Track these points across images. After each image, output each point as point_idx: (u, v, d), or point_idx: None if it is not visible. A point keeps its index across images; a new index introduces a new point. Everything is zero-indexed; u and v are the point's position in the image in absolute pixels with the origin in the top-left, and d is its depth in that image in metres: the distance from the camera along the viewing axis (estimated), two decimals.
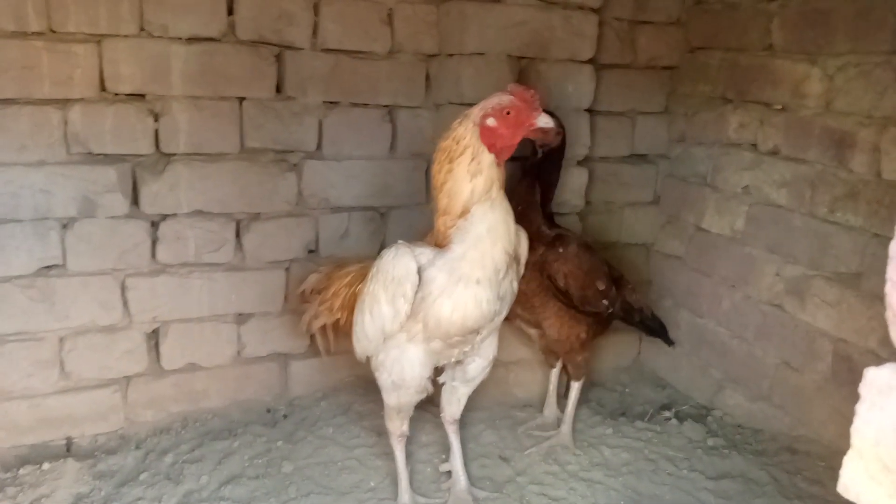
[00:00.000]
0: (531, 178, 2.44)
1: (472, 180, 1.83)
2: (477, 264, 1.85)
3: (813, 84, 2.41)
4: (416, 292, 1.88)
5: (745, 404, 2.79)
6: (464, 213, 1.85)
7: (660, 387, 3.15)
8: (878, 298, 2.22)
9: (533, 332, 2.64)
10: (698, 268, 3.00)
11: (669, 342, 2.86)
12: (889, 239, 2.32)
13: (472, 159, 1.83)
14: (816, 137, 2.40)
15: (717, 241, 2.88)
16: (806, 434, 2.52)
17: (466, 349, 2.06)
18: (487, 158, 1.84)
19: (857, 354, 2.30)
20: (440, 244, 1.91)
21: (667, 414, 2.85)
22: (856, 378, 2.50)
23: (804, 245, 2.49)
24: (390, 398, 2.11)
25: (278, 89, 2.49)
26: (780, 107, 2.56)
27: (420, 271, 1.88)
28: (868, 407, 0.84)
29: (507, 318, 2.34)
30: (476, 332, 1.99)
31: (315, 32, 2.48)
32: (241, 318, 2.65)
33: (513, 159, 1.93)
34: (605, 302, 2.53)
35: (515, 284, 2.04)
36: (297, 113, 2.53)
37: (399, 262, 1.90)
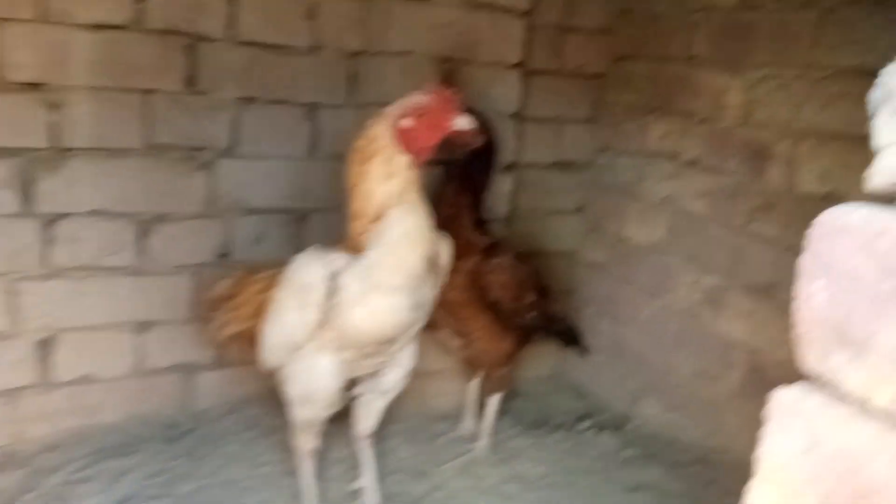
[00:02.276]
0: (459, 182, 2.37)
1: (386, 182, 1.75)
2: (393, 271, 1.77)
3: (733, 96, 2.45)
4: (329, 300, 1.79)
5: (662, 414, 2.81)
6: (378, 217, 1.77)
7: (579, 396, 3.15)
8: (791, 310, 2.27)
9: (456, 342, 2.58)
10: (620, 276, 3.01)
11: (585, 352, 2.85)
12: (802, 250, 2.35)
13: (387, 161, 1.75)
14: (735, 149, 2.44)
15: (638, 250, 2.90)
16: (720, 444, 2.54)
17: (382, 360, 1.97)
18: (402, 160, 1.76)
19: (771, 365, 2.33)
20: (355, 250, 1.82)
21: (585, 425, 2.85)
22: (769, 389, 2.52)
23: (721, 255, 2.52)
24: (298, 413, 2.00)
25: (190, 82, 2.35)
26: (700, 118, 2.59)
27: (333, 278, 1.79)
28: (776, 429, 0.80)
29: (430, 328, 2.26)
30: (392, 342, 1.91)
31: (232, 24, 2.35)
32: (143, 327, 2.48)
33: (442, 161, 1.87)
34: (533, 314, 2.50)
35: (434, 293, 1.97)
36: (210, 108, 2.39)
37: (308, 269, 1.80)
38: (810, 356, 0.79)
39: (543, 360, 3.17)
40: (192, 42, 2.32)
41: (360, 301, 1.78)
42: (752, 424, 2.58)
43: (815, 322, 0.78)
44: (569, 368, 3.23)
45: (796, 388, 0.80)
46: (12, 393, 2.32)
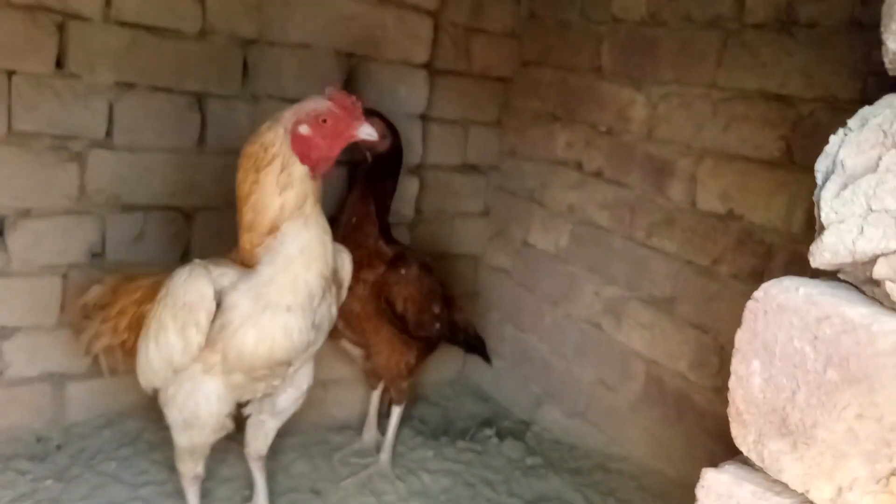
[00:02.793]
0: (364, 188, 2.26)
1: (281, 194, 1.61)
2: (287, 289, 1.63)
3: (637, 110, 2.44)
4: (215, 319, 1.63)
5: (562, 420, 2.82)
6: (272, 230, 1.63)
7: (483, 400, 3.11)
8: (689, 324, 2.31)
9: (357, 352, 2.48)
10: (523, 283, 2.99)
11: (488, 360, 2.82)
12: (701, 267, 2.40)
13: (282, 170, 1.61)
14: (638, 163, 2.44)
15: (541, 258, 2.88)
16: (618, 452, 2.57)
17: (275, 382, 1.83)
18: (300, 170, 1.62)
19: (668, 377, 2.37)
20: (246, 264, 1.67)
21: (488, 432, 2.81)
22: (666, 399, 2.55)
23: (622, 267, 2.53)
24: (181, 438, 1.83)
25: (59, 64, 2.09)
26: (605, 129, 2.58)
27: (220, 295, 1.63)
28: None
29: (331, 337, 2.15)
30: (287, 364, 1.77)
31: (109, 2, 2.11)
32: (5, 333, 2.22)
33: (344, 165, 1.73)
34: (438, 326, 2.43)
35: (334, 310, 1.85)
36: (82, 93, 2.14)
37: (192, 286, 1.63)
38: (745, 438, 0.74)
39: (447, 363, 3.12)
40: (63, 20, 2.07)
41: (251, 321, 1.63)
42: (650, 434, 2.63)
43: (751, 403, 0.72)
44: (472, 372, 3.20)
45: (728, 472, 0.75)
46: None
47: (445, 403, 3.05)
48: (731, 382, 0.75)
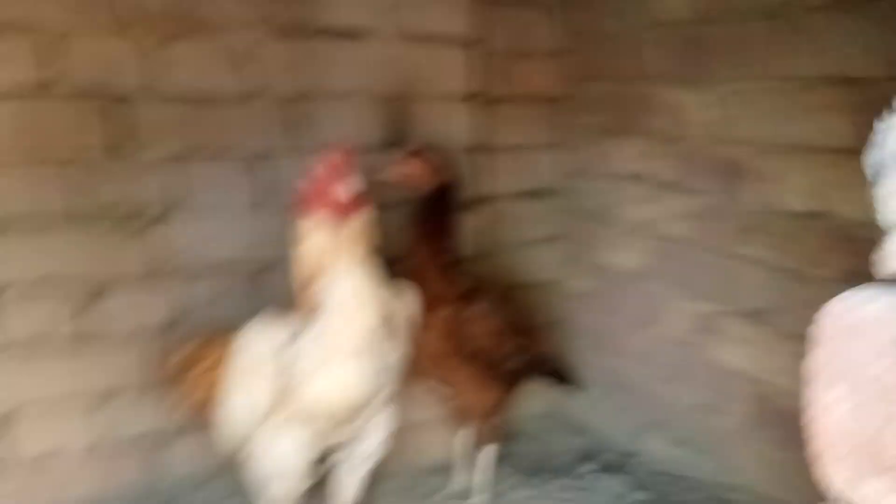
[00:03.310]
0: (419, 229, 2.24)
1: (303, 244, 1.71)
2: (345, 335, 1.67)
3: (698, 112, 2.32)
4: (283, 373, 1.67)
5: (668, 449, 2.64)
6: (312, 280, 1.70)
7: (580, 433, 2.97)
8: (790, 335, 2.11)
9: (443, 392, 2.42)
10: (606, 306, 2.85)
11: (578, 389, 2.69)
12: (794, 271, 2.18)
13: (311, 219, 1.72)
14: (708, 168, 2.30)
15: (621, 278, 2.74)
16: (731, 481, 2.36)
17: (355, 427, 1.83)
18: (311, 221, 1.73)
19: (776, 394, 2.17)
20: (310, 312, 1.70)
21: (588, 466, 2.67)
22: (778, 420, 2.28)
23: (709, 280, 2.36)
24: (270, 491, 1.85)
25: (114, 146, 2.19)
26: (667, 137, 2.45)
27: (286, 347, 1.69)
28: None
29: (415, 378, 2.14)
30: (361, 408, 1.77)
31: (151, 79, 2.20)
32: (105, 396, 2.33)
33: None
34: (520, 358, 2.35)
35: (406, 350, 1.86)
36: (138, 172, 2.23)
37: (258, 340, 1.72)
38: (837, 477, 0.60)
39: (538, 396, 2.99)
40: (109, 103, 2.17)
41: (319, 370, 1.67)
42: (763, 458, 2.38)
43: (839, 437, 0.59)
44: (566, 404, 3.05)
45: None
46: None
47: (540, 438, 2.93)
48: (813, 412, 0.62)
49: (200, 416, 2.08)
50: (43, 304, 2.20)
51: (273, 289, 2.42)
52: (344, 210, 1.69)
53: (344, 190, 1.69)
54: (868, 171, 0.59)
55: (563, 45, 2.85)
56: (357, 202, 1.71)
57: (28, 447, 2.24)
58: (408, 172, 2.20)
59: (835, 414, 0.60)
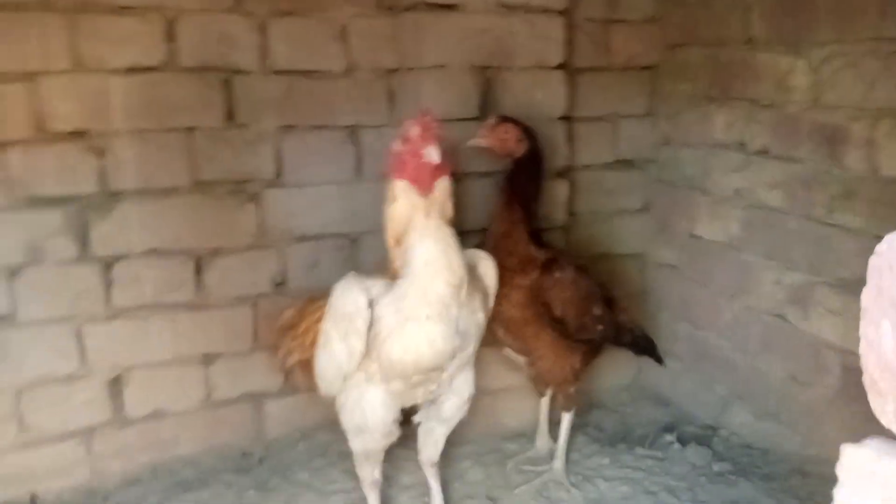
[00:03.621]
0: (507, 194, 2.28)
1: (392, 206, 1.75)
2: (421, 300, 1.72)
3: (798, 77, 2.25)
4: (370, 329, 1.74)
5: (752, 422, 2.61)
6: (397, 243, 1.76)
7: (662, 405, 2.97)
8: None
9: (521, 360, 2.47)
10: (694, 277, 2.83)
11: (660, 361, 2.68)
12: None
13: (389, 185, 1.76)
14: (807, 134, 2.24)
15: (711, 248, 2.71)
16: (817, 454, 2.33)
17: (432, 388, 1.90)
18: (399, 185, 1.75)
19: None
20: (394, 276, 1.78)
21: (668, 438, 2.67)
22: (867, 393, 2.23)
23: (803, 250, 2.32)
24: (355, 443, 1.97)
25: (229, 116, 2.35)
26: (766, 103, 2.39)
27: (372, 305, 1.75)
28: (850, 494, 0.67)
29: (493, 346, 2.18)
30: (438, 370, 1.83)
31: (264, 54, 2.34)
32: (209, 359, 2.50)
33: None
34: (600, 328, 2.37)
35: (481, 316, 1.89)
36: (252, 140, 2.38)
37: (347, 297, 1.78)
38: (883, 408, 0.66)
39: (621, 368, 3.02)
40: (228, 76, 2.32)
41: (395, 332, 1.74)
42: (853, 432, 2.35)
43: (886, 369, 0.64)
44: (649, 376, 3.06)
45: (870, 448, 0.67)
46: (88, 431, 2.38)
47: (622, 410, 2.95)
48: (862, 347, 0.68)
49: (300, 377, 2.21)
50: (156, 272, 2.36)
51: (372, 253, 2.55)
52: (425, 177, 1.74)
53: (425, 158, 1.73)
54: None
55: (659, 11, 2.81)
56: (438, 170, 1.75)
57: (136, 409, 2.43)
58: (499, 138, 2.24)
59: (882, 348, 0.64)
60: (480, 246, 2.17)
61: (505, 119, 2.25)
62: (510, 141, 2.23)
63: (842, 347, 2.21)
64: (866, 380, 0.66)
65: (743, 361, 2.63)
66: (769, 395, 2.53)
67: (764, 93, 2.39)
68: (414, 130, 1.73)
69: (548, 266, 2.26)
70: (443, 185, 1.75)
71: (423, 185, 1.73)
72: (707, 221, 2.72)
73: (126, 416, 2.42)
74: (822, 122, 2.19)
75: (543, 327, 2.29)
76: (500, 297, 2.06)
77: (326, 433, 2.59)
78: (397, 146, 1.74)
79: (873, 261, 0.64)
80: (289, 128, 2.42)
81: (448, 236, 1.75)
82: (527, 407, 2.70)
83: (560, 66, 2.52)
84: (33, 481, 2.32)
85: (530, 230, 2.29)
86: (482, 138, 2.24)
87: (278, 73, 2.37)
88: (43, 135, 2.16)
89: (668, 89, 2.83)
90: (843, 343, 2.20)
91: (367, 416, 1.88)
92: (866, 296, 0.65)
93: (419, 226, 1.72)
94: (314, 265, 2.55)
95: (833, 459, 2.46)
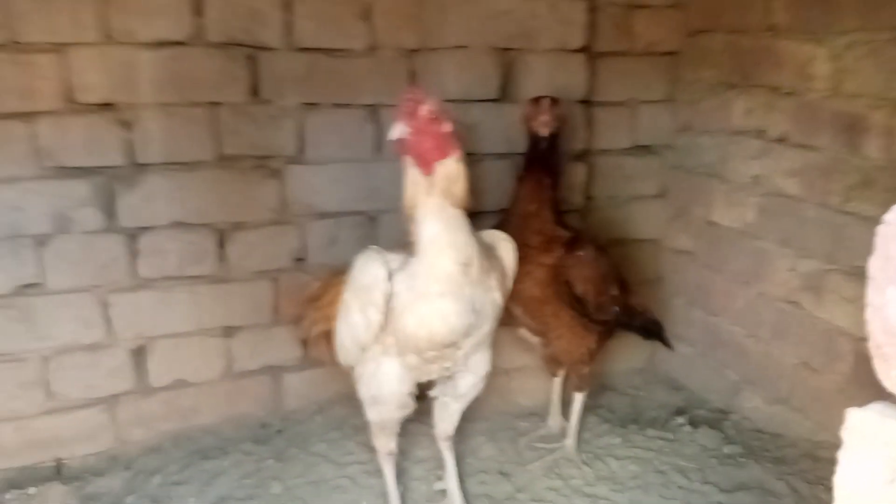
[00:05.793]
0: (537, 175, 2.25)
1: (409, 185, 1.76)
2: (432, 278, 1.74)
3: (820, 65, 2.25)
4: (388, 301, 1.78)
5: (764, 407, 2.64)
6: (412, 217, 1.76)
7: (674, 389, 3.01)
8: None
9: (536, 340, 2.50)
10: (710, 263, 2.84)
11: (668, 345, 2.70)
12: None
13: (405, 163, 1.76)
14: (826, 122, 2.24)
15: (727, 235, 2.73)
16: (828, 439, 2.35)
17: (447, 365, 1.93)
18: (406, 162, 1.76)
19: None
20: (411, 252, 1.81)
21: (679, 420, 2.70)
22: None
23: (818, 238, 2.33)
24: (371, 413, 2.01)
25: (253, 92, 2.38)
26: (786, 91, 2.39)
27: (390, 279, 1.78)
28: (854, 456, 0.70)
29: (508, 325, 2.20)
30: (453, 346, 1.86)
31: (289, 31, 2.36)
32: (229, 331, 2.55)
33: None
34: (615, 308, 2.39)
35: (497, 296, 1.91)
36: (275, 116, 2.41)
37: (367, 269, 1.81)
38: (887, 373, 0.69)
39: (634, 352, 3.05)
40: (253, 52, 2.35)
41: (409, 307, 1.76)
42: None
43: (891, 334, 0.67)
44: (662, 361, 3.09)
45: (874, 411, 0.70)
46: (112, 399, 2.45)
47: (634, 393, 2.99)
48: (868, 314, 0.70)
49: (323, 348, 2.24)
50: (179, 244, 2.41)
51: (391, 229, 2.58)
52: (426, 156, 1.73)
53: (432, 137, 1.72)
54: None
55: None
56: (445, 149, 1.74)
57: (158, 378, 2.49)
58: (555, 117, 2.24)
59: (887, 315, 0.67)
60: (501, 225, 2.19)
61: (540, 98, 2.25)
62: (542, 120, 2.22)
63: (855, 334, 2.23)
64: (871, 345, 0.69)
65: (756, 347, 2.65)
66: (781, 380, 2.56)
67: (785, 80, 2.38)
68: (415, 107, 1.73)
69: (571, 244, 2.27)
70: (448, 165, 1.73)
71: (425, 164, 1.73)
72: (724, 208, 2.73)
73: (149, 385, 2.48)
74: (843, 111, 2.19)
75: (563, 306, 2.31)
76: (521, 275, 2.07)
77: (342, 407, 2.65)
78: (404, 125, 1.72)
79: (881, 230, 0.67)
80: (311, 105, 2.44)
81: (452, 216, 1.74)
82: (539, 387, 2.74)
83: (581, 50, 2.53)
84: (58, 447, 2.40)
85: (556, 208, 2.30)
86: (545, 120, 2.22)
87: (302, 50, 2.39)
88: (72, 106, 2.20)
89: (688, 75, 2.83)
90: (856, 330, 2.21)
91: (383, 387, 1.92)
92: (873, 264, 0.67)
93: (421, 204, 1.73)
94: (333, 242, 2.59)
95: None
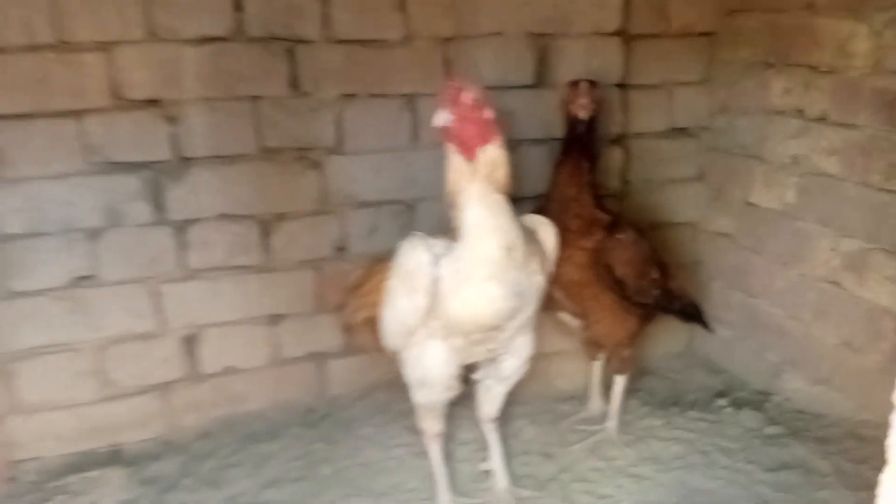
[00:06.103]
0: (576, 158, 2.27)
1: (452, 171, 1.78)
2: (476, 262, 1.77)
3: (859, 42, 2.22)
4: (433, 286, 1.82)
5: (806, 388, 2.63)
6: (454, 203, 1.79)
7: (714, 372, 3.00)
8: None
9: (576, 323, 2.52)
10: (749, 245, 2.83)
11: (707, 327, 2.69)
12: None
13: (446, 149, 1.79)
14: (867, 100, 2.21)
15: (766, 216, 2.71)
16: (872, 419, 2.35)
17: (492, 347, 1.97)
18: (449, 148, 1.78)
19: None
20: (455, 237, 1.84)
21: (721, 402, 2.71)
22: None
23: (860, 217, 2.31)
24: (418, 396, 2.06)
25: (293, 85, 2.43)
26: (825, 69, 2.36)
27: (435, 264, 1.82)
28: None
29: (548, 309, 2.23)
30: (497, 329, 1.90)
31: (326, 24, 2.40)
32: (275, 319, 2.62)
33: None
34: (655, 292, 2.40)
35: (540, 279, 1.94)
36: (314, 108, 2.46)
37: (412, 255, 1.85)
38: None
39: (674, 335, 3.06)
40: (291, 46, 2.39)
41: (454, 290, 1.80)
42: None
43: None
44: (701, 344, 3.09)
45: None
46: (165, 386, 2.54)
47: (674, 376, 2.99)
48: None
49: (366, 335, 2.28)
50: (226, 236, 2.47)
51: (429, 217, 2.63)
52: (475, 142, 1.75)
53: (474, 123, 1.74)
54: None
55: None
56: (488, 135, 1.75)
57: (209, 365, 2.56)
58: (595, 101, 2.25)
59: None
60: (540, 210, 2.21)
61: (579, 82, 2.25)
62: (581, 104, 2.23)
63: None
64: None
65: (797, 328, 2.64)
66: (823, 361, 2.54)
67: (823, 58, 2.36)
68: (457, 96, 1.74)
69: (611, 228, 2.29)
70: (490, 151, 1.75)
71: (468, 151, 1.75)
72: (762, 189, 2.71)
73: (200, 373, 2.56)
74: (883, 88, 2.16)
75: (603, 289, 2.32)
76: (562, 259, 2.08)
77: (385, 392, 2.71)
78: (446, 113, 1.74)
79: None
80: (349, 96, 2.49)
81: (495, 201, 1.76)
82: (579, 370, 2.77)
83: (616, 33, 2.53)
84: (114, 433, 2.49)
85: (596, 191, 2.31)
86: (584, 104, 2.23)
87: (339, 42, 2.43)
88: (119, 103, 2.27)
89: (725, 56, 2.80)
90: None
91: (429, 369, 1.96)
92: None
93: (464, 190, 1.76)
94: (373, 230, 2.63)
95: (886, 424, 2.46)
